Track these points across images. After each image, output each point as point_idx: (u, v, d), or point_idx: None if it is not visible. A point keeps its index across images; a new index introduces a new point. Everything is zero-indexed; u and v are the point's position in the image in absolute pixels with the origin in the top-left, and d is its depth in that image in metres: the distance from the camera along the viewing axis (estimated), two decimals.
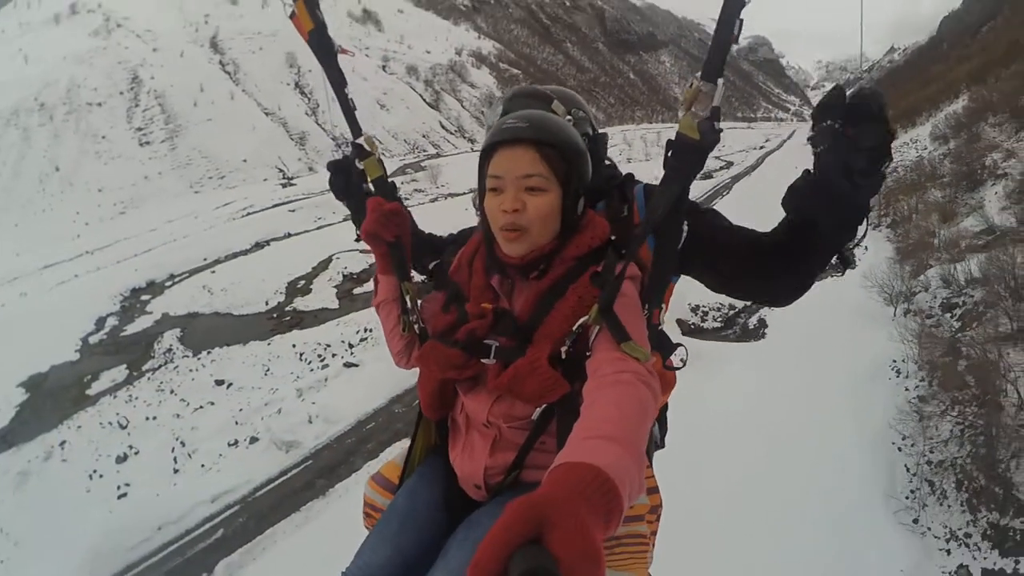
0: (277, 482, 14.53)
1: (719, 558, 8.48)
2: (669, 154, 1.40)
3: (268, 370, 21.54)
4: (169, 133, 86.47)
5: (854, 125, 1.26)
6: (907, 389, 12.59)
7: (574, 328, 1.38)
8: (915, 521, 9.69)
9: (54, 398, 21.93)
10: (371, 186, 1.91)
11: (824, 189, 1.32)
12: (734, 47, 1.33)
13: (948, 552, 9.27)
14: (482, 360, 1.49)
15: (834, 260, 1.42)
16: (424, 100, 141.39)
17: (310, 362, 21.86)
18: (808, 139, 1.33)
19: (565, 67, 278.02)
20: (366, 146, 1.86)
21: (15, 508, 14.76)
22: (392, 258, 1.76)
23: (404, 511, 1.65)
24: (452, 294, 1.65)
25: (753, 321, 20.68)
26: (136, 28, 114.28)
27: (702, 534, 8.35)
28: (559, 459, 0.92)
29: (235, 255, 41.03)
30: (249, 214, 55.68)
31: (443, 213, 42.91)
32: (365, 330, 23.27)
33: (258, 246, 43.13)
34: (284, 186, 76.88)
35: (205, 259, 39.93)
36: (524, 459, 1.54)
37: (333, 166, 1.95)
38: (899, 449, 10.98)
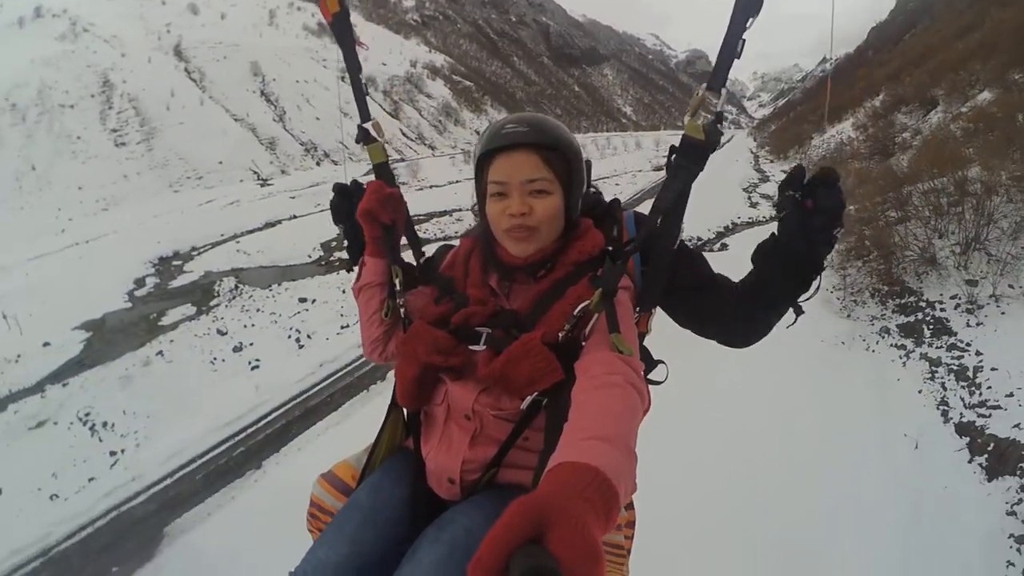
0: None
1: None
2: (674, 155, 1.47)
3: (343, 291, 24.06)
4: (145, 135, 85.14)
5: (811, 195, 1.43)
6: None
7: (576, 312, 1.39)
8: (848, 316, 13.78)
9: (123, 332, 23.59)
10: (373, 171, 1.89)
11: (784, 247, 1.49)
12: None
13: (873, 325, 13.05)
14: (471, 347, 1.48)
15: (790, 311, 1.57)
16: (384, 109, 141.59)
17: None
18: (773, 205, 2.04)
19: (513, 80, 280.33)
20: (372, 131, 1.87)
21: (130, 397, 16.94)
22: (385, 241, 1.72)
23: (366, 507, 1.57)
24: (445, 288, 1.64)
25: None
26: (103, 34, 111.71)
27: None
28: (555, 459, 0.93)
29: (250, 231, 42.25)
30: (237, 205, 57.16)
31: (429, 200, 48.76)
32: None
33: (269, 225, 44.29)
34: (262, 186, 77.21)
35: (222, 235, 40.89)
36: (505, 455, 1.50)
37: (339, 188, 1.92)
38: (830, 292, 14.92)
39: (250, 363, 18.73)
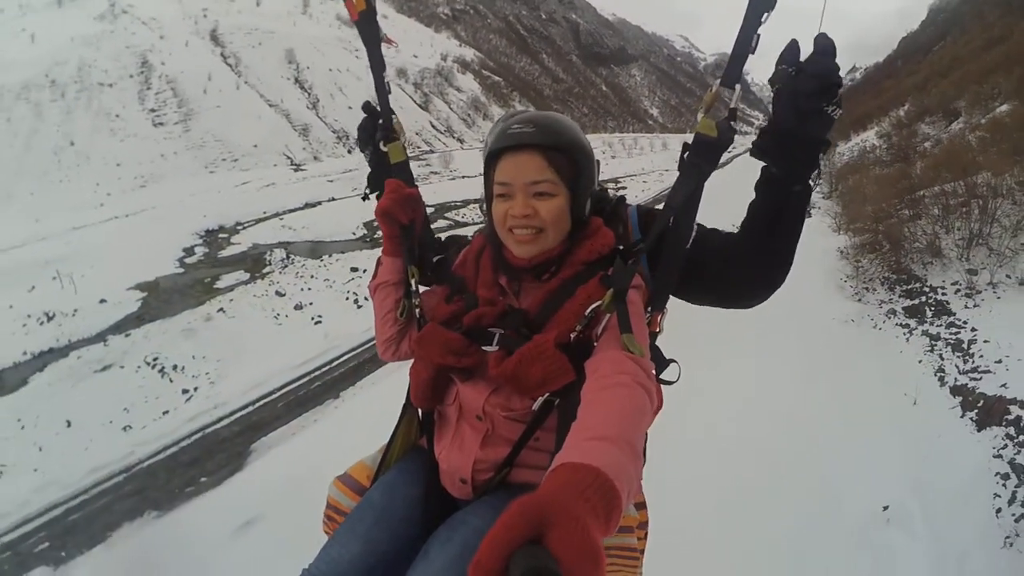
0: None
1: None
2: (686, 153, 1.43)
3: None
4: (182, 116, 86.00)
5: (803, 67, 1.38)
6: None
7: (587, 312, 1.36)
8: (859, 300, 14.64)
9: (179, 293, 24.32)
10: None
11: (777, 127, 1.39)
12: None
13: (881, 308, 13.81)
14: (483, 348, 1.46)
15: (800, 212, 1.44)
16: (414, 101, 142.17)
17: None
18: (768, 81, 1.41)
19: (541, 77, 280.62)
20: (395, 129, 1.83)
21: (197, 345, 17.66)
22: (402, 240, 1.70)
23: (380, 506, 1.58)
24: (456, 287, 1.62)
25: None
26: (141, 15, 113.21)
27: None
28: (558, 460, 0.92)
29: (292, 210, 42.90)
30: (273, 187, 58.13)
31: (461, 188, 50.76)
32: None
33: (309, 205, 44.83)
34: (295, 171, 78.02)
35: (265, 212, 41.57)
36: (517, 455, 1.49)
37: (368, 107, 1.88)
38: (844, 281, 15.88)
39: (313, 319, 19.69)
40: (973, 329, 11.06)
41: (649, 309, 1.49)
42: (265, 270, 26.49)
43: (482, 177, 1.62)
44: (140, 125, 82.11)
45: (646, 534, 1.69)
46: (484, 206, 1.57)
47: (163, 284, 25.62)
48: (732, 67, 1.37)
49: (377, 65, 1.82)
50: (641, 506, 1.69)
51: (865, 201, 20.44)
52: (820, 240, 20.09)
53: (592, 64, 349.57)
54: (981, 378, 9.31)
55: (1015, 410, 8.16)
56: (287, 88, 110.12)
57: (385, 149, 1.78)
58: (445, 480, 1.60)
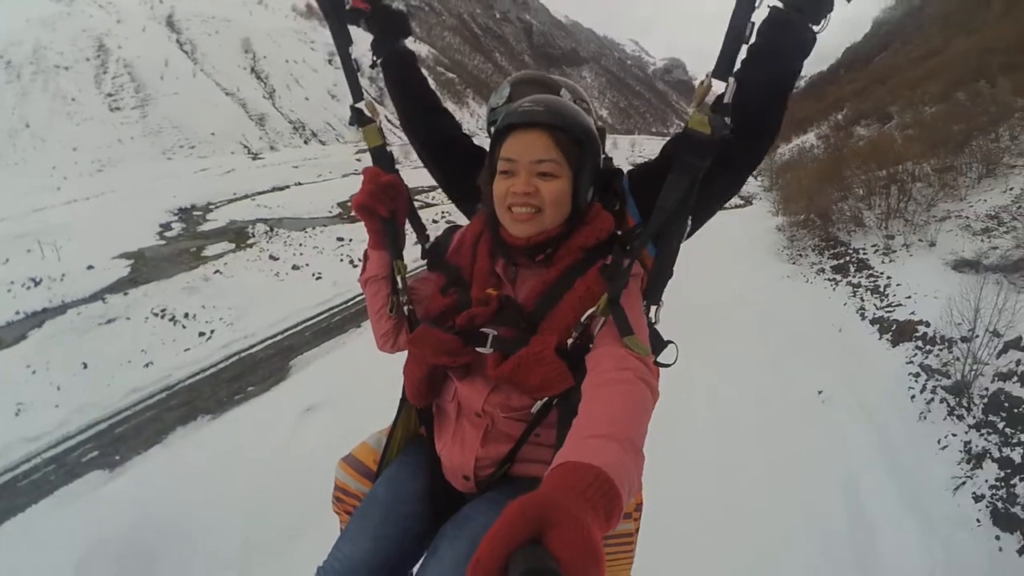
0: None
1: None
2: (678, 150, 1.37)
3: None
4: (139, 101, 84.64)
5: None
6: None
7: (582, 319, 1.33)
8: (793, 263, 18.49)
9: (167, 261, 25.09)
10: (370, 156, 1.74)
11: None
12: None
13: (812, 268, 17.34)
14: (477, 349, 1.42)
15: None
16: (369, 95, 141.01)
17: None
18: None
19: (494, 75, 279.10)
20: (366, 111, 1.73)
21: (203, 299, 18.86)
22: (385, 233, 1.62)
23: (385, 502, 1.59)
24: (452, 277, 1.56)
25: None
26: None
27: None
28: (559, 458, 0.90)
29: (261, 192, 43.12)
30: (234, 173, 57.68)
31: (424, 177, 50.26)
32: None
33: (277, 188, 45.17)
34: (253, 159, 77.35)
35: (235, 193, 41.89)
36: (518, 452, 1.49)
37: None
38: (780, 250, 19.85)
39: (313, 275, 21.14)
40: (888, 277, 13.60)
41: (645, 302, 1.46)
42: (250, 241, 27.33)
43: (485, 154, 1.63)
44: (97, 109, 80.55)
45: (640, 515, 1.69)
46: (485, 183, 1.50)
47: (148, 254, 26.18)
48: (724, 58, 1.31)
49: (343, 42, 1.75)
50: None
51: (801, 190, 23.76)
52: (761, 223, 23.50)
53: (544, 65, 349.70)
54: (894, 311, 11.81)
55: (921, 328, 10.46)
56: (244, 77, 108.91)
57: (360, 132, 1.69)
58: (448, 475, 1.59)
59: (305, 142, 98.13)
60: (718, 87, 1.34)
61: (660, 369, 1.44)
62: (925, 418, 8.18)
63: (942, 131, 20.42)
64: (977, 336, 8.77)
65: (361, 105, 1.75)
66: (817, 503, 7.10)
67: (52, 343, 16.00)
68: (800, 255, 18.81)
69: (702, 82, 1.33)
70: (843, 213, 18.99)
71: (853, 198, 19.28)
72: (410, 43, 1.99)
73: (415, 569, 1.52)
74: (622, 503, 0.82)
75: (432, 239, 1.73)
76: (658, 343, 1.55)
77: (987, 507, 6.15)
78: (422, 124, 1.90)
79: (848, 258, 16.51)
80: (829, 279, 15.66)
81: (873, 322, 11.85)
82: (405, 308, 1.64)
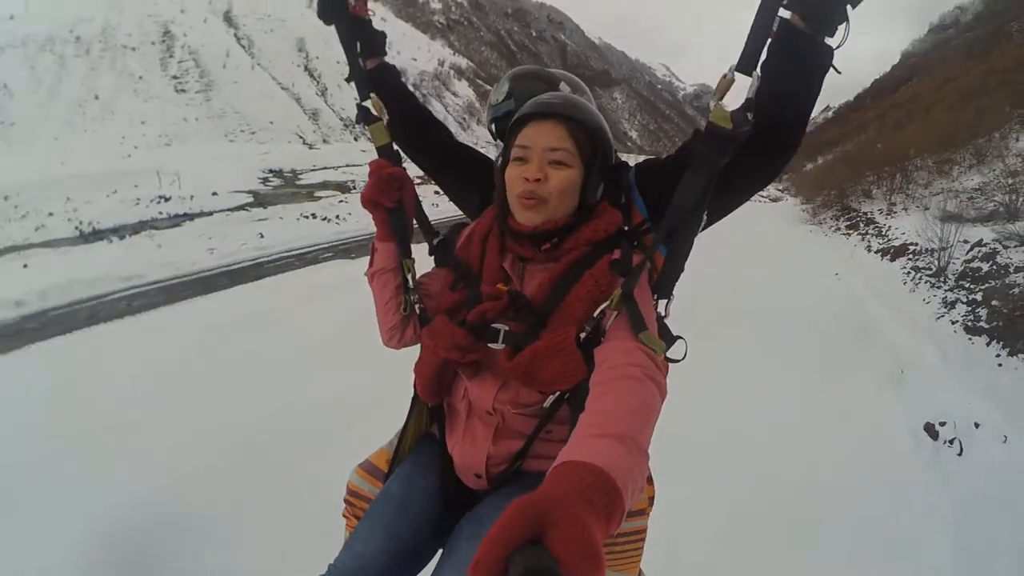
0: None
1: None
2: (698, 144, 1.31)
3: None
4: (203, 86, 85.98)
5: None
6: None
7: (595, 314, 1.29)
8: (814, 225, 22.24)
9: (285, 197, 25.25)
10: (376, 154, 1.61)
11: None
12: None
13: (829, 226, 21.07)
14: (489, 345, 1.38)
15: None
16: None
17: None
18: None
19: None
20: (373, 110, 1.62)
21: (346, 207, 19.70)
22: (392, 224, 1.54)
23: (399, 499, 1.53)
24: (462, 272, 1.49)
25: None
26: None
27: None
28: (561, 457, 0.87)
29: (338, 167, 42.91)
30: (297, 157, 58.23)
31: None
32: None
33: (349, 165, 45.07)
34: (309, 149, 78.24)
35: (315, 165, 41.67)
36: (529, 448, 1.45)
37: None
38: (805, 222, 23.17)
39: (434, 203, 21.70)
40: (888, 227, 16.71)
41: (655, 296, 1.42)
42: (354, 191, 27.29)
43: (499, 146, 1.62)
44: (163, 89, 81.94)
45: (652, 508, 1.64)
46: (499, 173, 1.45)
47: (262, 191, 26.22)
48: (748, 51, 1.24)
49: (350, 36, 1.62)
50: (648, 480, 1.64)
51: (821, 182, 29.07)
52: (789, 209, 28.20)
53: None
54: (891, 242, 14.79)
55: (912, 248, 13.15)
56: (298, 74, 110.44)
57: (367, 130, 1.58)
58: (460, 473, 1.55)
59: (355, 139, 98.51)
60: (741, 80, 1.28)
61: (670, 361, 1.45)
62: (913, 290, 10.47)
63: (946, 133, 23.99)
64: (952, 245, 11.37)
65: (368, 103, 1.61)
66: (831, 313, 9.01)
67: (218, 226, 16.55)
68: (820, 222, 22.63)
69: (725, 75, 1.24)
70: (856, 189, 23.76)
71: (865, 182, 23.86)
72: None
73: (431, 567, 1.46)
74: (624, 504, 0.79)
75: (441, 235, 1.66)
76: (667, 337, 1.47)
77: (960, 325, 8.35)
78: (422, 132, 1.81)
79: (859, 219, 20.04)
80: (844, 233, 19.12)
81: (877, 251, 14.67)
82: (417, 306, 1.56)
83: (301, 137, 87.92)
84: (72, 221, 17.82)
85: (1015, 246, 10.98)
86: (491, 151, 1.80)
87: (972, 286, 9.78)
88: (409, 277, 1.55)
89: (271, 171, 35.81)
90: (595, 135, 1.38)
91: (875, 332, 8.14)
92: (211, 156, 46.39)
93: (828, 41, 1.21)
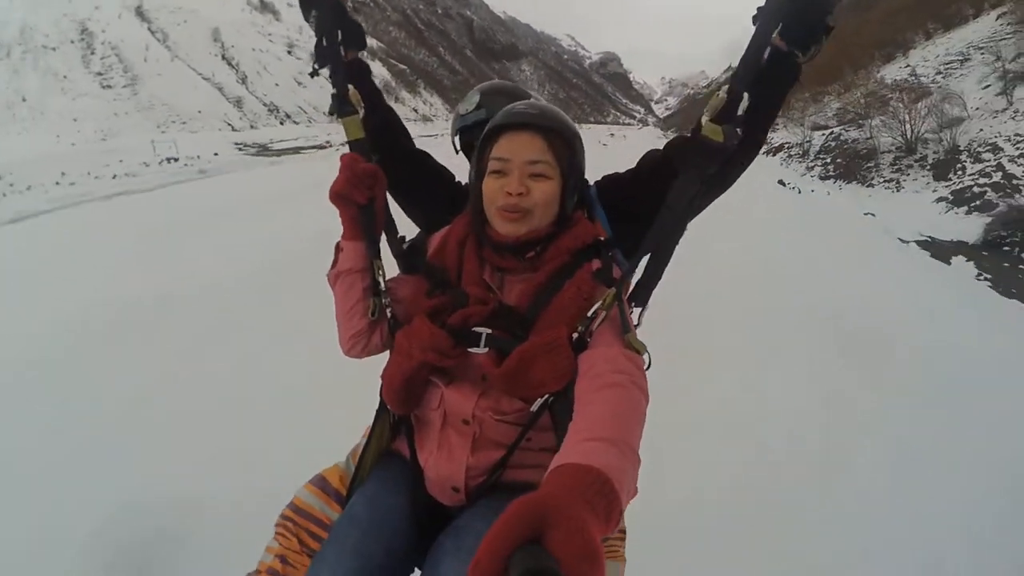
0: None
1: None
2: (689, 155, 1.32)
3: None
4: (129, 80, 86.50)
5: None
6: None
7: (588, 314, 1.24)
8: (823, 180, 31.23)
9: (280, 156, 27.64)
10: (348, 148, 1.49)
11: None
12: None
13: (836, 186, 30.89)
14: (470, 349, 1.30)
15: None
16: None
17: None
18: None
19: (439, 68, 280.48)
20: (351, 102, 1.48)
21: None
22: (361, 222, 1.41)
23: (366, 519, 1.37)
24: (437, 279, 1.40)
25: None
26: None
27: None
28: (557, 460, 0.87)
29: (286, 140, 45.78)
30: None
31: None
32: None
33: (298, 148, 48.23)
34: (239, 134, 79.96)
35: (271, 140, 44.71)
36: (510, 457, 1.36)
37: None
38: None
39: None
40: (771, 139, 22.40)
41: (632, 304, 1.42)
42: (330, 148, 31.07)
43: (469, 154, 1.66)
44: (89, 86, 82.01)
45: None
46: (472, 184, 1.38)
47: (254, 151, 29.93)
48: (740, 75, 1.26)
49: (331, 29, 1.48)
50: None
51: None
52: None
53: (485, 58, 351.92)
54: (772, 146, 25.45)
55: (785, 145, 22.93)
56: (216, 64, 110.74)
57: (339, 122, 1.45)
58: (433, 488, 1.42)
59: (280, 123, 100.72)
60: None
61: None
62: (787, 166, 17.93)
63: (823, 73, 32.07)
64: (812, 139, 19.45)
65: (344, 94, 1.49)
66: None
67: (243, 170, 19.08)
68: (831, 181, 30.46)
69: (715, 93, 1.29)
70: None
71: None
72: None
73: None
74: (622, 505, 0.79)
75: (407, 241, 1.56)
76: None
77: (818, 176, 19.46)
78: (391, 134, 1.70)
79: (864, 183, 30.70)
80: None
81: (763, 153, 19.73)
82: (388, 311, 1.44)
83: (229, 124, 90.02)
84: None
85: (853, 128, 19.89)
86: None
87: (825, 157, 17.28)
88: (380, 279, 1.43)
89: (237, 144, 39.42)
90: (571, 144, 1.35)
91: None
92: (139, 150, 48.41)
93: (800, 59, 1.29)
